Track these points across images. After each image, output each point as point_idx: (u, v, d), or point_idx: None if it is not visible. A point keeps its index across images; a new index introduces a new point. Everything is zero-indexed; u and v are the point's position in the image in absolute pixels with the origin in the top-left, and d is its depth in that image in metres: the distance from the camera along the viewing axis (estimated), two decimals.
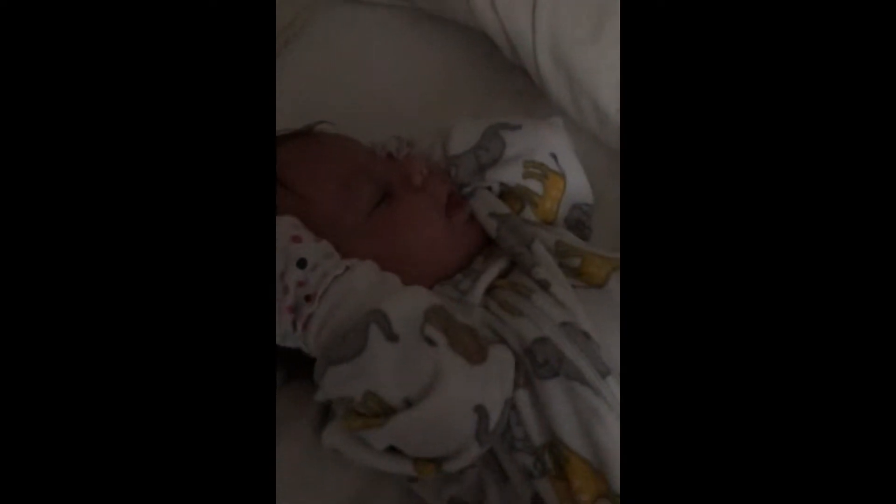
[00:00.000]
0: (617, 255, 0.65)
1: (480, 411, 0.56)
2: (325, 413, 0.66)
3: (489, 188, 0.72)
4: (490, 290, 0.66)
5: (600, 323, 0.61)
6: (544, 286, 0.63)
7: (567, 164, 0.75)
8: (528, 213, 0.73)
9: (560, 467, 0.58)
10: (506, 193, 0.73)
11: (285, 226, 0.62)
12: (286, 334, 0.60)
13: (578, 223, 0.76)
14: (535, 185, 0.73)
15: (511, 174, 0.73)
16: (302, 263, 0.59)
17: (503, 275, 0.68)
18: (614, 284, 0.63)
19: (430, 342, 0.56)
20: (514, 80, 0.85)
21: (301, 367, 0.63)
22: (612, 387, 0.59)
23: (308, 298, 0.59)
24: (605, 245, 0.73)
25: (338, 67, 0.89)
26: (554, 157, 0.74)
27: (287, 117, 0.76)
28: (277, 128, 0.74)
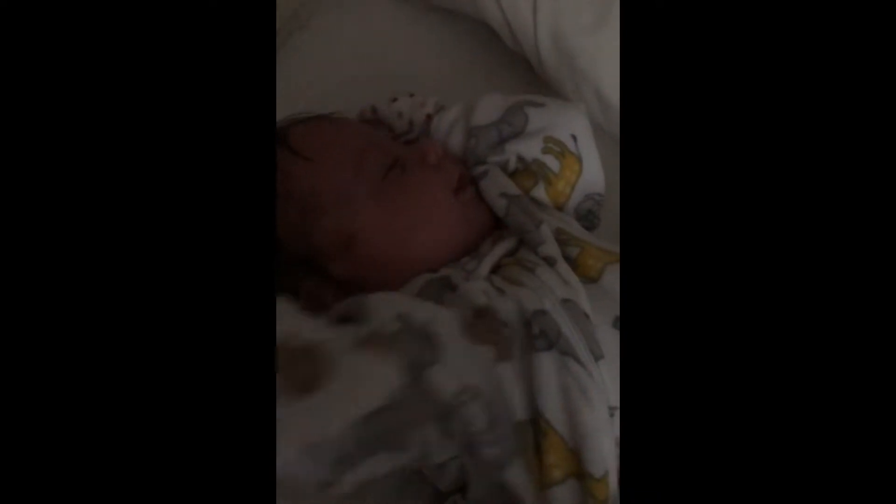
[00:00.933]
0: (616, 247, 0.66)
1: (313, 451, 0.49)
2: None
3: (507, 160, 0.73)
4: (496, 269, 0.66)
5: (594, 316, 0.61)
6: (550, 262, 0.64)
7: (585, 148, 0.75)
8: (540, 190, 0.73)
9: (537, 443, 0.58)
10: (521, 170, 0.73)
11: None
12: None
13: (589, 213, 0.76)
14: (552, 162, 0.73)
15: (530, 148, 0.73)
16: None
17: (510, 254, 0.68)
18: (609, 278, 0.63)
19: None
20: (516, 69, 0.86)
21: None
22: (604, 371, 0.59)
23: None
24: (608, 233, 0.73)
25: (342, 57, 0.90)
26: (574, 138, 0.74)
27: (291, 107, 0.77)
28: (282, 117, 0.74)
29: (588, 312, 0.61)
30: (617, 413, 0.58)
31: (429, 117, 0.77)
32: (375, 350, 0.53)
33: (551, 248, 0.65)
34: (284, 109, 0.76)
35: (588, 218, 0.76)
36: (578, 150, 0.74)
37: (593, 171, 0.75)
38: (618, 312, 0.61)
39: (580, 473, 0.57)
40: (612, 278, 0.63)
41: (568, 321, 0.60)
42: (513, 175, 0.73)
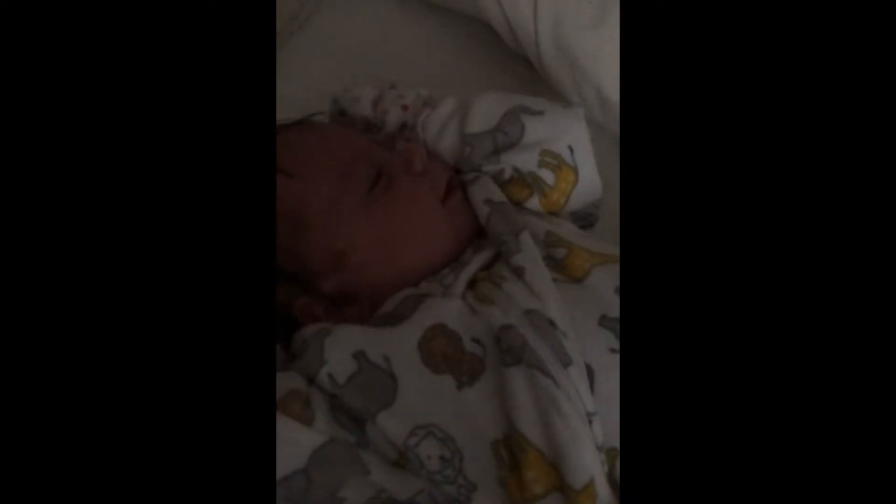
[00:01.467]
0: (605, 249, 0.66)
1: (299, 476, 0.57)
2: None
3: (501, 170, 0.73)
4: (473, 283, 0.66)
5: (574, 317, 0.61)
6: (519, 273, 0.64)
7: (582, 159, 0.75)
8: (535, 202, 0.73)
9: (515, 460, 0.57)
10: (516, 179, 0.73)
11: None
12: None
13: (587, 214, 0.77)
14: (547, 176, 0.73)
15: (527, 161, 0.73)
16: None
17: (487, 266, 0.68)
18: (594, 279, 0.64)
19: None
20: (516, 69, 0.86)
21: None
22: (574, 377, 0.58)
23: None
24: (606, 232, 0.73)
25: (342, 57, 0.90)
26: (571, 149, 0.74)
27: (293, 107, 0.78)
28: (283, 117, 0.75)
29: (554, 320, 0.60)
30: (596, 419, 0.58)
31: (405, 108, 0.76)
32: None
33: (525, 258, 0.65)
34: (288, 106, 0.76)
35: (586, 217, 0.76)
36: (575, 161, 0.74)
37: (589, 181, 0.75)
38: (603, 311, 0.61)
39: (561, 487, 0.56)
40: (596, 278, 0.63)
41: (532, 332, 0.59)
42: (507, 183, 0.73)
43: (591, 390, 0.59)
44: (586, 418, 0.57)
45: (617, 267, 0.64)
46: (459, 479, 0.58)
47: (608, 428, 0.58)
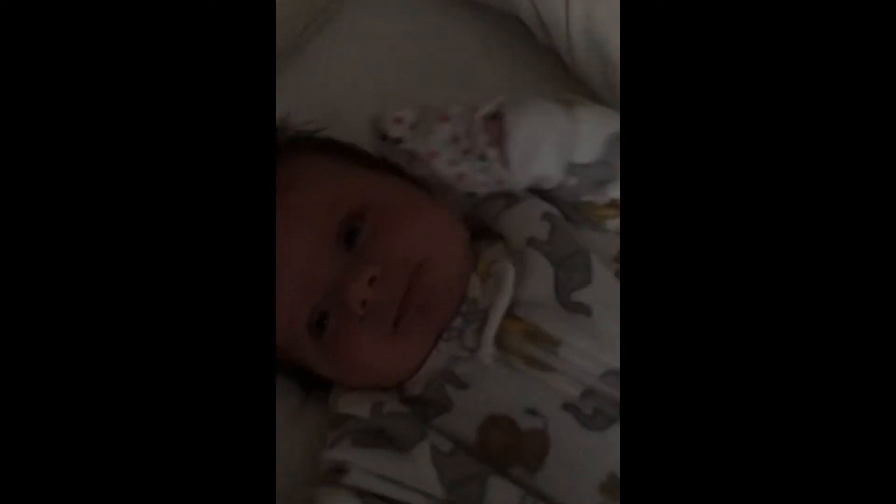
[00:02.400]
0: None
1: None
2: None
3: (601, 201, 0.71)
4: (500, 337, 0.64)
5: None
6: (585, 313, 0.62)
7: None
8: (613, 224, 0.72)
9: None
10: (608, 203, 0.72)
11: None
12: None
13: None
14: None
15: None
16: None
17: (509, 310, 0.65)
18: None
19: None
20: (546, 63, 0.86)
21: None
22: None
23: None
24: None
25: (369, 52, 0.90)
26: None
27: (318, 105, 0.79)
28: (308, 118, 0.76)
29: None
30: None
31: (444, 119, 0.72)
32: None
33: (595, 293, 0.63)
34: (313, 103, 0.76)
35: None
36: None
37: None
38: None
39: None
40: None
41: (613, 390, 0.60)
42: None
43: None
44: None
45: None
46: None
47: None
